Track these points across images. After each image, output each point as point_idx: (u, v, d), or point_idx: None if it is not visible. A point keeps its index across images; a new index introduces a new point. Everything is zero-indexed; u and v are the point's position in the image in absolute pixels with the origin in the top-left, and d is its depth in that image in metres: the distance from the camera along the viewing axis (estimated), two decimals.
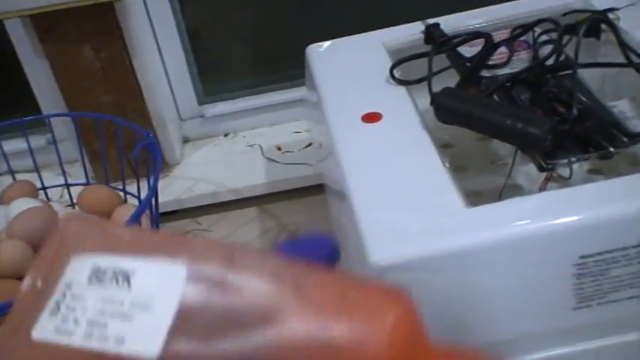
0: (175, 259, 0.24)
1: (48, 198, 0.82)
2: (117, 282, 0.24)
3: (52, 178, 0.86)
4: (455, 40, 0.66)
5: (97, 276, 0.24)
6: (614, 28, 0.62)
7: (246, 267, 0.24)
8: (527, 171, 0.69)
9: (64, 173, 0.82)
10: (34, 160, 0.79)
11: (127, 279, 0.24)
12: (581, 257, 0.47)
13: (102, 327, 0.24)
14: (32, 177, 0.82)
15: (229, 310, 0.23)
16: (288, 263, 0.24)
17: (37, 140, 0.92)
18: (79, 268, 0.25)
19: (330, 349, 0.22)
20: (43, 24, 0.78)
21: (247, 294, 0.23)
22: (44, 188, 0.81)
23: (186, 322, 0.23)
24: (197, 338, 0.23)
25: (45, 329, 0.24)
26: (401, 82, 0.65)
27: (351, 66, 0.70)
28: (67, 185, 0.82)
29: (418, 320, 0.23)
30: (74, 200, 0.82)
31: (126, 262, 0.24)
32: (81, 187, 0.81)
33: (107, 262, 0.25)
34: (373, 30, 0.76)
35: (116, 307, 0.24)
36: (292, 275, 0.24)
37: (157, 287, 0.24)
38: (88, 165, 0.84)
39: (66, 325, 0.24)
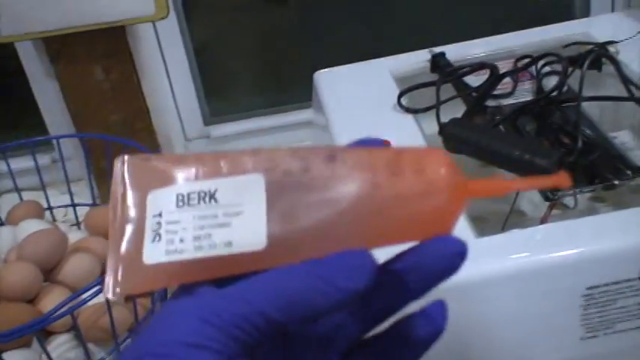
0: (246, 170, 0.27)
1: (54, 217, 0.83)
2: (204, 201, 0.27)
3: (56, 196, 0.86)
4: (461, 71, 0.67)
5: (184, 200, 0.27)
6: (615, 62, 0.64)
7: (315, 153, 0.28)
8: (531, 198, 0.70)
9: (70, 193, 0.82)
10: (41, 180, 0.80)
11: (212, 196, 0.27)
12: (589, 288, 0.48)
13: (207, 238, 0.26)
14: (37, 195, 0.83)
15: (308, 187, 0.27)
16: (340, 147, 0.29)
17: (42, 159, 0.93)
18: (162, 199, 0.27)
19: (403, 189, 0.26)
20: (55, 46, 0.79)
21: (323, 174, 0.27)
22: (50, 208, 0.82)
23: (276, 209, 0.26)
24: (290, 220, 0.26)
25: (155, 254, 0.27)
26: (408, 110, 0.66)
27: (359, 92, 0.72)
28: (74, 205, 0.83)
29: (454, 165, 0.27)
30: (79, 220, 0.83)
31: (205, 184, 0.27)
32: (86, 207, 0.82)
33: (187, 187, 0.27)
34: (380, 56, 0.77)
35: (212, 221, 0.27)
36: (351, 151, 0.28)
37: (240, 195, 0.27)
38: (93, 184, 0.85)
39: (174, 246, 0.26)
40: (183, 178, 0.28)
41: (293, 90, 1.04)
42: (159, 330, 0.25)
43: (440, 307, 0.29)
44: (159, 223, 0.27)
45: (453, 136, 0.58)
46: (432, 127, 0.63)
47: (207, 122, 1.00)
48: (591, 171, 0.55)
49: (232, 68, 1.05)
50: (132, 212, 0.28)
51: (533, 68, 0.67)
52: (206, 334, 0.25)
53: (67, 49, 0.79)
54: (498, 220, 0.67)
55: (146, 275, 0.27)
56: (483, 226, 0.55)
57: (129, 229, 0.28)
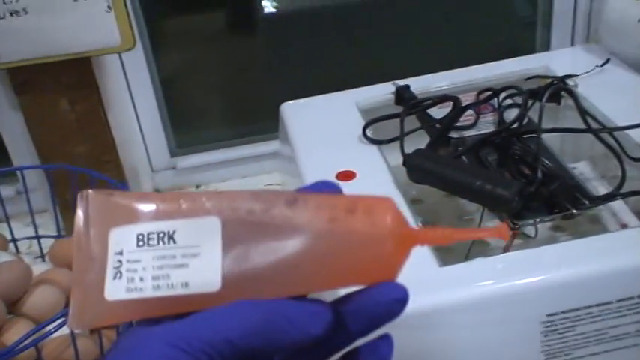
0: (203, 213, 0.29)
1: (17, 249, 0.82)
2: (163, 241, 0.28)
3: (20, 228, 0.85)
4: (425, 103, 0.68)
5: (144, 240, 0.28)
6: (573, 95, 0.66)
7: (276, 197, 0.29)
8: (501, 223, 0.71)
9: (34, 225, 0.81)
10: (4, 212, 0.79)
11: (171, 237, 0.28)
12: (549, 315, 0.49)
13: (166, 278, 0.28)
14: (1, 227, 0.82)
15: (264, 229, 0.28)
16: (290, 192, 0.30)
17: (6, 190, 0.92)
18: (123, 237, 0.29)
19: (351, 236, 0.28)
20: (20, 77, 0.78)
21: (276, 216, 0.28)
22: (14, 240, 0.81)
23: (232, 251, 0.28)
24: (245, 262, 0.28)
25: (116, 291, 0.28)
26: (373, 141, 0.67)
27: (325, 124, 0.73)
28: (38, 237, 0.82)
29: (401, 214, 0.29)
30: (44, 252, 0.82)
31: (165, 224, 0.29)
32: (51, 239, 0.81)
33: (147, 227, 0.29)
34: (346, 88, 0.78)
35: (171, 261, 0.28)
36: (297, 195, 0.29)
37: (198, 237, 0.28)
38: (59, 216, 0.84)
39: (134, 284, 0.28)
40: (144, 217, 0.29)
41: (259, 122, 1.05)
42: (128, 355, 0.27)
43: (386, 340, 0.31)
44: (120, 261, 0.28)
45: (416, 167, 0.59)
46: (397, 158, 0.64)
47: (173, 154, 1.00)
48: (551, 201, 0.57)
49: (199, 100, 1.06)
50: (95, 248, 0.29)
51: (494, 100, 0.69)
52: (175, 359, 0.26)
53: (32, 80, 0.79)
54: (462, 249, 0.68)
55: (108, 310, 0.28)
56: (447, 255, 0.56)
57: (92, 264, 0.29)
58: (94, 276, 0.28)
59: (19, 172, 0.80)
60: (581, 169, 0.65)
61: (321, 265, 0.28)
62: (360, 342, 0.31)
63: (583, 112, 0.64)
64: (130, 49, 0.76)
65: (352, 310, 0.29)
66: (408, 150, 0.62)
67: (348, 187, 0.61)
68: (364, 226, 0.28)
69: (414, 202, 0.76)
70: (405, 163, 0.60)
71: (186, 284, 0.28)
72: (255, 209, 0.29)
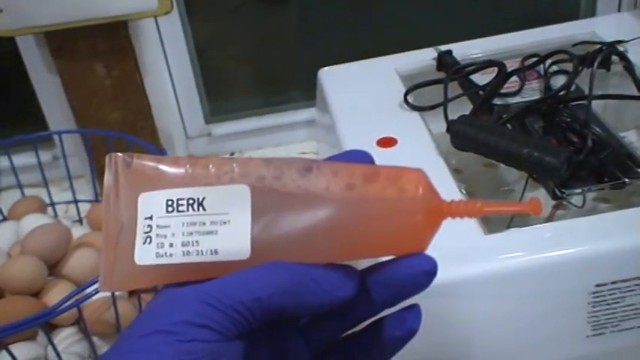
0: (233, 180, 0.28)
1: (56, 213, 0.82)
2: (193, 208, 0.28)
3: (57, 193, 0.86)
4: (468, 69, 0.67)
5: (173, 206, 0.28)
6: (626, 61, 0.63)
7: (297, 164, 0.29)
8: (534, 197, 0.70)
9: (72, 189, 0.82)
10: (43, 176, 0.79)
11: (200, 204, 0.28)
12: (597, 285, 0.48)
13: (195, 244, 0.28)
14: (39, 191, 0.82)
15: (291, 198, 0.28)
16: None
17: (44, 155, 0.92)
18: (152, 202, 0.28)
19: (381, 204, 0.28)
20: (56, 41, 0.78)
21: (302, 185, 0.28)
22: (53, 204, 0.82)
23: (260, 220, 0.28)
24: (273, 230, 0.27)
25: (146, 256, 0.28)
26: (415, 107, 0.66)
27: (364, 90, 0.71)
28: (76, 202, 0.82)
29: (432, 186, 0.29)
30: (82, 216, 0.82)
31: (194, 191, 0.28)
32: (88, 204, 0.82)
33: (177, 193, 0.28)
34: (381, 55, 0.77)
35: (200, 228, 0.28)
36: (326, 163, 0.29)
37: (227, 204, 0.28)
38: (95, 181, 0.84)
39: (164, 250, 0.28)
40: (174, 182, 0.29)
41: (293, 90, 1.04)
42: (164, 311, 0.27)
43: (414, 312, 0.30)
44: (150, 226, 0.28)
45: (460, 134, 0.58)
46: (438, 126, 0.63)
47: (208, 121, 1.00)
48: (600, 170, 0.55)
49: (232, 67, 1.05)
50: (124, 212, 0.29)
51: (540, 67, 0.67)
52: (209, 316, 0.26)
53: (68, 44, 0.78)
54: (501, 219, 0.67)
55: (136, 274, 0.28)
56: (487, 225, 0.54)
57: (121, 228, 0.28)
58: (123, 240, 0.28)
59: (56, 137, 0.80)
60: (631, 137, 0.63)
61: (349, 234, 0.28)
62: (386, 312, 0.31)
63: (636, 79, 0.61)
64: (167, 13, 0.75)
65: (379, 280, 0.29)
66: (451, 117, 0.61)
67: (388, 154, 0.61)
68: (393, 195, 0.28)
69: (453, 172, 0.74)
70: (449, 129, 0.59)
71: (216, 251, 0.28)
72: (284, 177, 0.28)
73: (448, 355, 0.52)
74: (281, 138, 0.99)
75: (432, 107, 0.65)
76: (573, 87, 0.63)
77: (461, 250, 0.49)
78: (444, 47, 0.73)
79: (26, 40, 0.84)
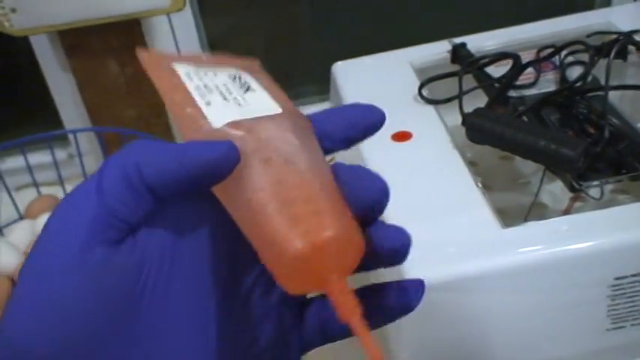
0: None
1: None
2: (240, 85, 0.29)
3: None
4: (483, 61, 0.66)
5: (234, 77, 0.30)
6: None
7: None
8: (551, 190, 0.69)
9: None
10: (59, 175, 0.80)
11: (248, 87, 0.29)
12: (617, 278, 0.48)
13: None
14: (55, 189, 0.82)
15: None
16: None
17: (59, 154, 0.93)
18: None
19: None
20: (70, 39, 0.78)
21: None
22: None
23: None
24: None
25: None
26: (429, 101, 0.65)
27: (378, 84, 0.71)
28: None
29: None
30: None
31: (245, 76, 0.30)
32: None
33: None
34: (395, 48, 0.76)
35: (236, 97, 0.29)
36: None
37: (262, 105, 0.28)
38: None
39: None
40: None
41: (307, 85, 1.04)
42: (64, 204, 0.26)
43: (418, 285, 0.29)
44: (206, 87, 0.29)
45: (476, 127, 0.57)
46: (453, 119, 0.62)
47: None
48: (618, 161, 0.54)
49: None
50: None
51: (556, 58, 0.67)
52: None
53: (82, 42, 0.79)
54: (519, 212, 0.67)
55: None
56: (504, 218, 0.54)
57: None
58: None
59: (70, 135, 0.81)
60: None
61: None
62: (388, 278, 0.29)
63: None
64: (179, 10, 0.75)
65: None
66: (466, 110, 0.60)
67: (404, 148, 0.60)
68: None
69: (469, 165, 0.74)
70: (464, 122, 0.58)
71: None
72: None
73: (467, 350, 0.51)
74: None
75: (447, 100, 0.64)
76: (590, 78, 0.62)
77: (478, 245, 0.49)
78: (458, 40, 0.73)
79: (40, 39, 0.84)
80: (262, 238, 0.25)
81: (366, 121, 0.29)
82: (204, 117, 0.27)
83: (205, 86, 0.29)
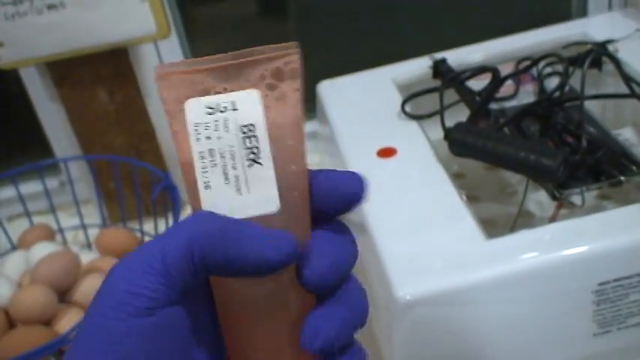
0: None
1: (65, 240, 0.84)
2: (248, 148, 0.28)
3: (65, 218, 0.87)
4: (463, 75, 0.68)
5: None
6: (615, 61, 0.64)
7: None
8: (537, 199, 0.71)
9: (80, 214, 0.83)
10: (51, 203, 0.81)
11: (254, 157, 0.28)
12: (600, 284, 0.49)
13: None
14: (47, 218, 0.83)
15: None
16: None
17: (51, 182, 0.93)
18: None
19: None
20: (59, 70, 0.79)
21: None
22: (61, 230, 0.83)
23: None
24: None
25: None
26: (412, 116, 0.67)
27: (363, 101, 0.73)
28: (84, 227, 0.83)
29: None
30: (90, 241, 0.83)
31: (260, 125, 0.28)
32: (96, 229, 0.83)
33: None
34: (380, 65, 0.78)
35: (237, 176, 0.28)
36: None
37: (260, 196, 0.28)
38: (102, 205, 0.85)
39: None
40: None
41: None
42: (94, 302, 0.27)
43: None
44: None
45: (458, 141, 0.58)
46: (437, 133, 0.64)
47: None
48: (597, 169, 0.56)
49: None
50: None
51: (534, 70, 0.68)
52: (136, 292, 0.26)
53: (70, 72, 0.80)
54: (506, 222, 0.68)
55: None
56: (492, 228, 0.55)
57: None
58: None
59: (62, 164, 0.81)
60: (626, 134, 0.64)
61: None
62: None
63: (626, 77, 0.62)
64: (165, 37, 0.76)
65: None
66: (449, 124, 0.62)
67: (389, 164, 0.62)
68: None
69: (456, 177, 0.75)
70: (446, 137, 0.60)
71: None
72: None
73: (461, 359, 0.52)
74: None
75: (430, 115, 0.66)
76: (567, 88, 0.64)
77: (463, 257, 0.50)
78: (439, 55, 0.74)
79: (29, 71, 0.85)
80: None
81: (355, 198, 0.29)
82: (199, 201, 0.28)
83: (210, 152, 0.28)
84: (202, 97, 0.28)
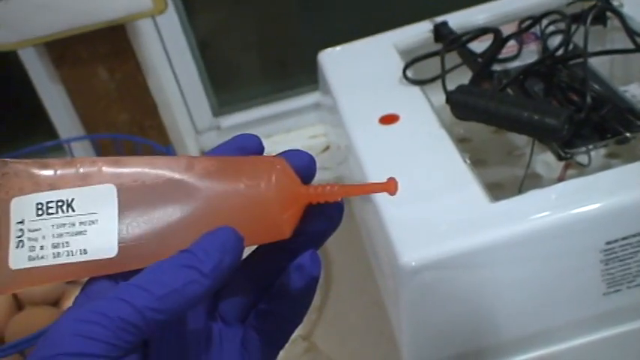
0: (100, 180, 0.29)
1: None
2: (62, 210, 0.29)
3: None
4: (464, 37, 0.66)
5: (43, 209, 0.29)
6: (619, 16, 0.63)
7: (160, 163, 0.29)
8: (545, 159, 0.70)
9: None
10: None
11: (69, 205, 0.29)
12: (607, 243, 0.48)
13: (65, 245, 0.29)
14: None
15: (160, 193, 0.29)
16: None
17: None
18: (24, 207, 0.29)
19: (239, 197, 0.28)
20: (57, 50, 0.79)
21: (170, 180, 0.29)
22: None
23: (127, 217, 0.29)
24: (141, 226, 0.29)
25: (19, 259, 0.29)
26: (414, 81, 0.66)
27: (364, 69, 0.71)
28: None
29: (291, 173, 0.29)
30: None
31: (63, 193, 0.29)
32: None
33: (47, 197, 0.29)
34: (382, 31, 0.77)
35: (70, 229, 0.29)
36: (192, 159, 0.29)
37: (95, 204, 0.29)
38: None
39: (35, 252, 0.29)
40: (43, 184, 0.29)
41: (298, 74, 1.04)
42: (45, 339, 0.26)
43: (311, 256, 0.30)
44: (22, 230, 0.29)
45: (460, 103, 0.58)
46: (441, 98, 0.63)
47: (216, 113, 1.00)
48: (603, 126, 0.55)
49: (236, 57, 1.05)
50: (2, 219, 0.29)
51: (537, 29, 0.67)
52: (88, 342, 0.25)
53: (69, 52, 0.79)
54: (514, 184, 0.67)
55: (12, 277, 0.29)
56: (499, 191, 0.54)
57: None
58: (2, 246, 0.29)
59: (66, 145, 0.81)
60: (633, 91, 0.63)
61: (210, 225, 0.28)
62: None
63: (631, 32, 0.61)
64: (161, 12, 0.75)
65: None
66: (452, 87, 0.61)
67: (392, 131, 0.61)
68: (248, 186, 0.28)
69: (462, 141, 0.74)
70: (448, 100, 0.59)
71: (85, 251, 0.28)
72: (151, 174, 0.29)
73: (467, 325, 0.52)
74: (290, 124, 1.00)
75: (432, 80, 0.65)
76: (571, 46, 0.63)
77: (468, 221, 0.49)
78: (439, 19, 0.73)
79: (28, 52, 0.85)
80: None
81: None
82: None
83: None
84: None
